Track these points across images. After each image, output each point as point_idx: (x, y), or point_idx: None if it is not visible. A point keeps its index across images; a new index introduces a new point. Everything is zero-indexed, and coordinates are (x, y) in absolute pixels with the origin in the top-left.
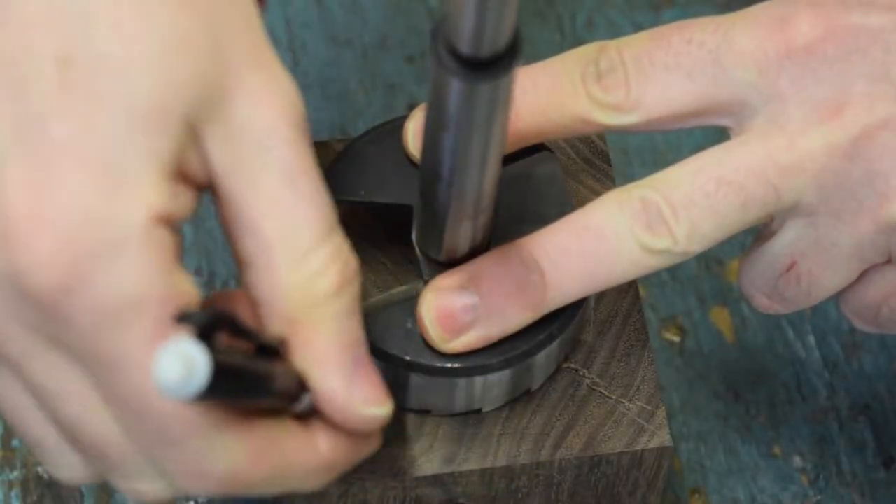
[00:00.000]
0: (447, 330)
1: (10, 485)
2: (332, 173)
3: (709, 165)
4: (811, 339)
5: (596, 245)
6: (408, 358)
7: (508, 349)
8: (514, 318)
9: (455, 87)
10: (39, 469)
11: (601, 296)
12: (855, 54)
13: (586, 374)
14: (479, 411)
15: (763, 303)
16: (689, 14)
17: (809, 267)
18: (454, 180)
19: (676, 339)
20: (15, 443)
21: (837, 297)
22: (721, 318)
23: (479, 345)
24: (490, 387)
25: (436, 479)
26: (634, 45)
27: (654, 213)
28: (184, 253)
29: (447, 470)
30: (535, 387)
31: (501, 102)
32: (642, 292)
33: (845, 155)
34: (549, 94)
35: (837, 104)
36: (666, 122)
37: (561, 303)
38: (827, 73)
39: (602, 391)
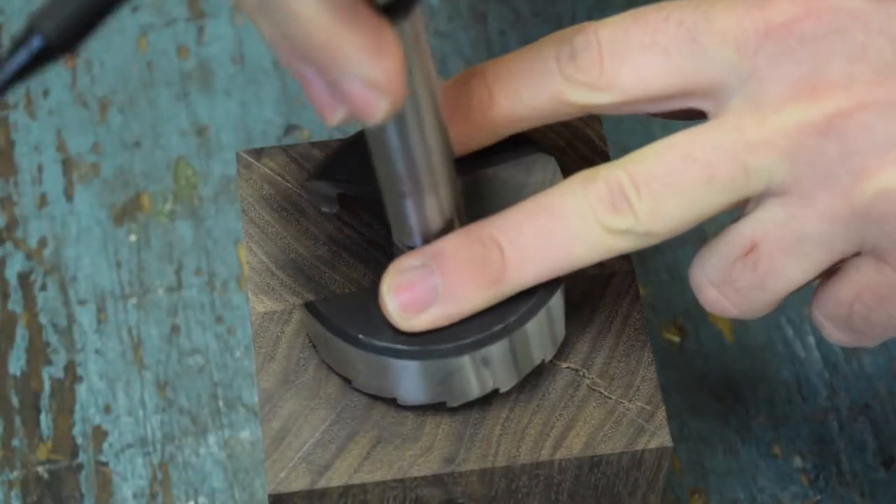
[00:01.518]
0: (407, 308)
1: (10, 485)
2: (331, 165)
3: (677, 142)
4: (811, 339)
5: (554, 224)
6: (378, 342)
7: (461, 335)
8: (474, 296)
9: None
10: (39, 469)
11: (601, 295)
12: (834, 34)
13: (586, 374)
14: (444, 405)
15: (710, 295)
16: None
17: (771, 250)
18: (401, 146)
19: (676, 339)
20: (15, 443)
21: (811, 300)
22: (721, 318)
23: (441, 323)
24: (446, 376)
25: (436, 479)
26: (611, 25)
27: (617, 191)
28: (184, 253)
29: (447, 470)
30: (467, 394)
31: (412, 45)
32: (642, 292)
33: (819, 132)
34: (524, 76)
35: (814, 83)
36: (643, 103)
37: (522, 283)
38: (805, 53)
39: (602, 391)
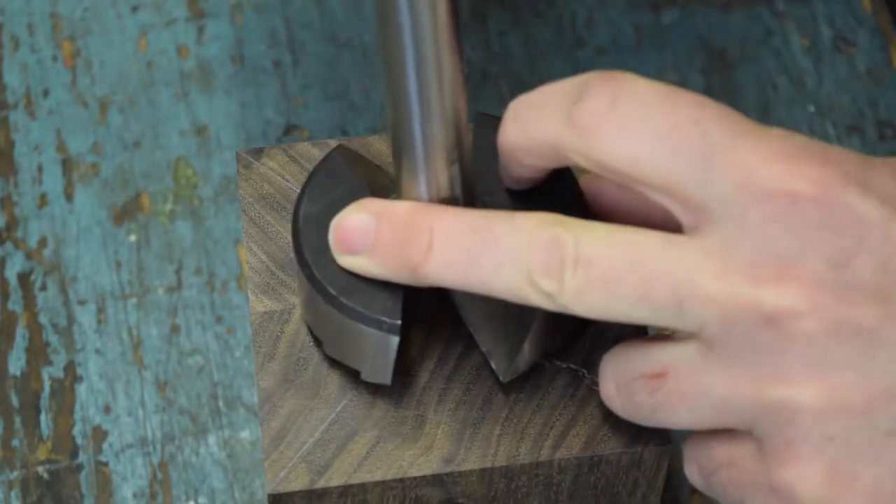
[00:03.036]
0: (338, 241)
1: (10, 485)
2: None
3: (638, 243)
4: None
5: (487, 251)
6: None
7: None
8: (392, 270)
9: None
10: (39, 469)
11: None
12: (829, 230)
13: (586, 375)
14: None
15: (609, 390)
16: (689, 14)
17: (673, 388)
18: (423, 101)
19: None
20: (15, 443)
21: (686, 440)
22: None
23: (361, 272)
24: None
25: (436, 479)
26: (639, 90)
27: (557, 256)
28: (184, 253)
29: (447, 470)
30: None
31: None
32: None
33: (764, 319)
34: (538, 106)
35: (786, 268)
36: (626, 179)
37: (437, 282)
38: (795, 232)
39: None
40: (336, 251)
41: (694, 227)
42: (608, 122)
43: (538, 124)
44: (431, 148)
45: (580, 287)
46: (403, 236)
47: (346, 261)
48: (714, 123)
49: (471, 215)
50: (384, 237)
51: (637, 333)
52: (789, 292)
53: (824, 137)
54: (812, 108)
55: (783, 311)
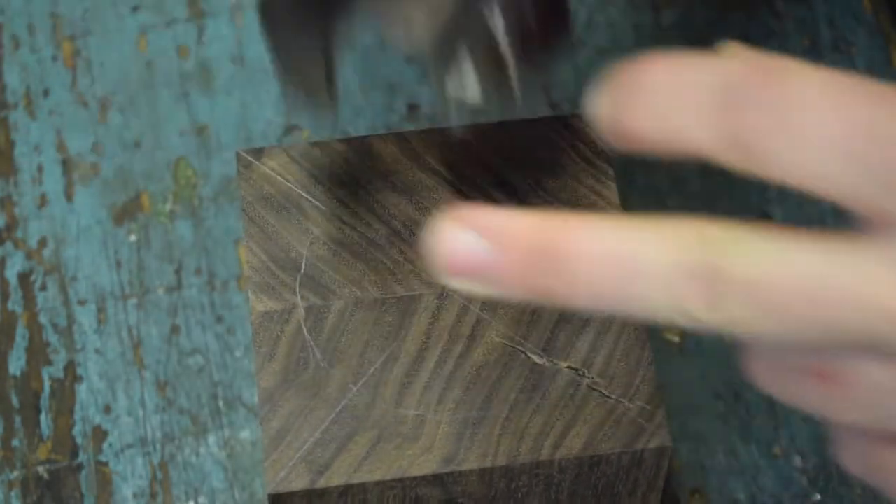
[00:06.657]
0: (445, 265)
1: (10, 485)
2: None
3: (814, 268)
4: None
5: (633, 280)
6: None
7: None
8: (519, 296)
9: None
10: (39, 469)
11: None
12: None
13: (586, 374)
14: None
15: (758, 368)
16: (689, 15)
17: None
18: None
19: (676, 339)
20: (15, 442)
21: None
22: None
23: (479, 297)
24: None
25: (435, 479)
26: (805, 88)
27: (711, 283)
28: (184, 253)
29: (447, 469)
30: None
31: None
32: None
33: None
34: (674, 100)
35: None
36: (794, 187)
37: (571, 308)
38: None
39: (602, 391)
40: (441, 272)
41: (874, 230)
42: (772, 137)
43: (682, 124)
44: None
45: (742, 317)
46: (538, 266)
47: (456, 283)
48: (894, 124)
49: (611, 234)
50: (512, 267)
51: None
52: None
53: None
54: None
55: None
